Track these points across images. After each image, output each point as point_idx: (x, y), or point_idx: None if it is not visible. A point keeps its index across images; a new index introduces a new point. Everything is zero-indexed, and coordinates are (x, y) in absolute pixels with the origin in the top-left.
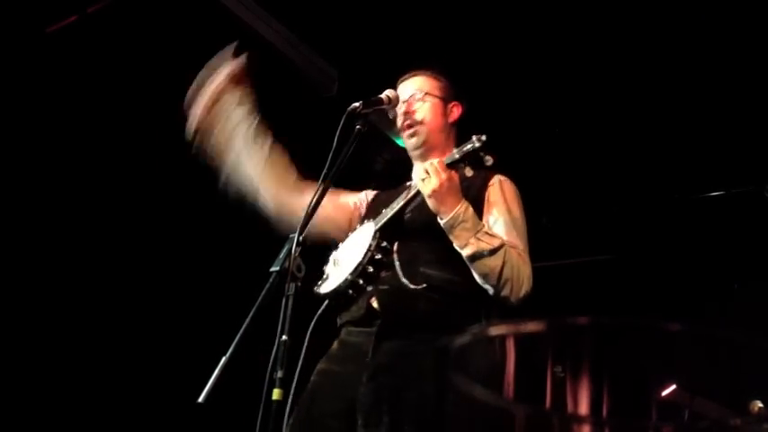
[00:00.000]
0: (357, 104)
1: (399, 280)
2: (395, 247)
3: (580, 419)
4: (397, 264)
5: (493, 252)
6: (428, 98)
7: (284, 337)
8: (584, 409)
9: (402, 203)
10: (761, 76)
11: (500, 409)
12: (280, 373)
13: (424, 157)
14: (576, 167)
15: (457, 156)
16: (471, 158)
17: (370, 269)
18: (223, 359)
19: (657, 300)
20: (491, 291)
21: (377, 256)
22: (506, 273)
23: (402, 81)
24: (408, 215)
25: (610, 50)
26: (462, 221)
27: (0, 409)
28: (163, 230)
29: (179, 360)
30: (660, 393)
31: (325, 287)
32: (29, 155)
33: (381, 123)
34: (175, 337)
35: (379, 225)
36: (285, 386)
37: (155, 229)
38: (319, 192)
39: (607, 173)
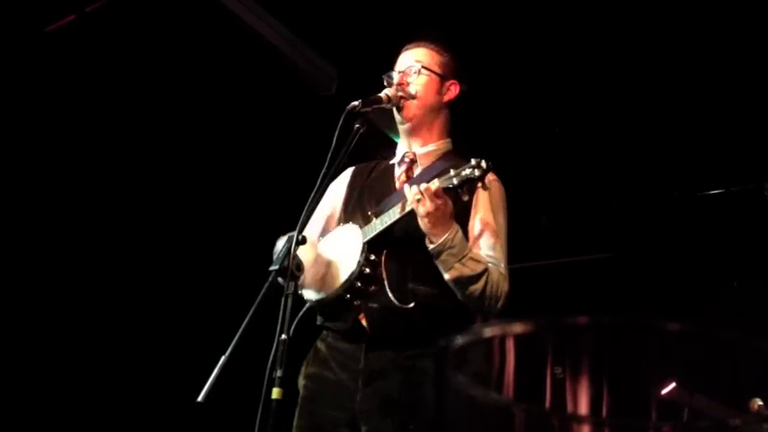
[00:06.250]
0: (356, 103)
1: (388, 297)
2: (382, 259)
3: (580, 419)
4: (385, 280)
5: (476, 277)
6: (425, 72)
7: (284, 336)
8: (583, 409)
9: (394, 219)
10: (760, 76)
11: (500, 409)
12: (279, 372)
13: (411, 133)
14: (575, 166)
15: (455, 181)
16: (469, 184)
17: (359, 284)
18: (222, 358)
19: (657, 299)
20: (469, 306)
21: (365, 271)
22: (486, 293)
23: (405, 50)
24: (397, 225)
25: (609, 49)
26: (450, 248)
27: (0, 409)
28: (163, 230)
29: (179, 360)
30: (660, 392)
31: (309, 293)
32: (28, 154)
33: (380, 122)
34: (175, 337)
35: (368, 238)
36: (285, 385)
37: (154, 229)
38: (319, 191)
39: (606, 171)
